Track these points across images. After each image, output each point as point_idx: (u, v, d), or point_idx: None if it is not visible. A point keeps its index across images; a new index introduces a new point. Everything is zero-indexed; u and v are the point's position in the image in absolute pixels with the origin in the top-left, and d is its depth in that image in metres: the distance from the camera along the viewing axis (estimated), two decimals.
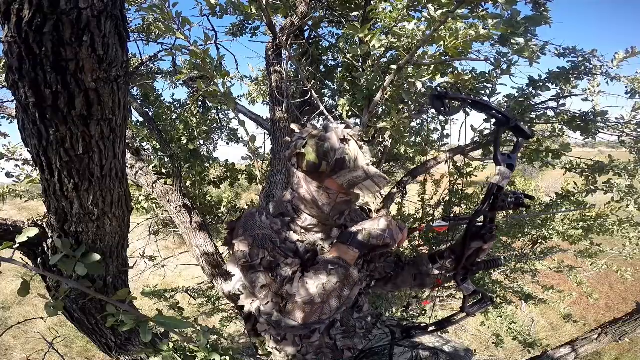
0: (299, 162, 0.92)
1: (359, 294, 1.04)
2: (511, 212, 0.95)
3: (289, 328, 0.86)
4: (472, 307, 1.01)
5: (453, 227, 0.97)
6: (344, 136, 0.90)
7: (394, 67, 1.53)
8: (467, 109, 1.99)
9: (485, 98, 1.88)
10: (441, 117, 2.34)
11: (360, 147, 0.93)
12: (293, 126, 0.99)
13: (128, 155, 2.02)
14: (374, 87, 1.74)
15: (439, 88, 0.84)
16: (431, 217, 2.58)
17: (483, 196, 0.93)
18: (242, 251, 0.89)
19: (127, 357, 1.16)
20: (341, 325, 1.02)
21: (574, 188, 2.15)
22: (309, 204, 0.94)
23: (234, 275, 1.02)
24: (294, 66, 2.20)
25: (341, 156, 0.88)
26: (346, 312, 1.02)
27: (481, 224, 0.92)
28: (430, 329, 1.07)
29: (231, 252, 1.02)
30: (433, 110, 2.29)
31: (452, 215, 0.98)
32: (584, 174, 2.09)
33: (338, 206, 0.93)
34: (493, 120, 0.92)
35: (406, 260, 1.16)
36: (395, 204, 2.49)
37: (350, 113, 1.92)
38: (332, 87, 2.63)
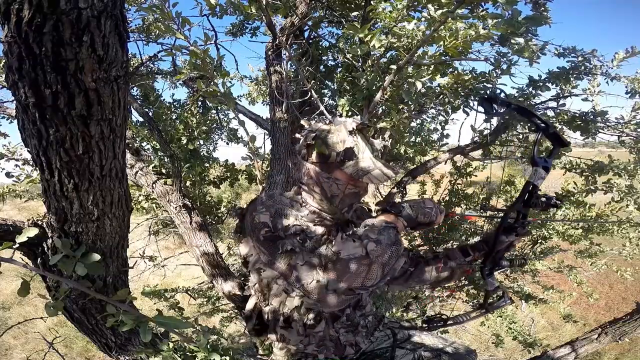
0: (308, 153, 0.94)
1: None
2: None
3: (330, 293, 0.80)
4: (491, 304, 1.03)
5: (489, 217, 1.01)
6: (352, 128, 0.92)
7: (393, 67, 1.53)
8: (466, 110, 2.00)
9: None
10: (441, 117, 2.34)
11: (368, 140, 0.95)
12: (303, 122, 0.99)
13: (128, 155, 2.02)
14: (374, 87, 1.74)
15: (492, 91, 0.93)
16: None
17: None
18: (263, 222, 0.86)
19: (127, 357, 1.16)
20: (347, 319, 1.02)
21: (574, 188, 2.15)
22: (317, 195, 0.94)
23: (248, 255, 0.97)
24: (294, 66, 2.20)
25: (350, 147, 0.89)
26: (351, 309, 1.02)
27: (514, 219, 0.97)
28: (449, 322, 1.08)
29: (240, 242, 1.00)
30: (433, 110, 2.30)
31: (488, 206, 1.02)
32: (584, 174, 2.09)
33: (346, 198, 0.94)
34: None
35: (431, 254, 1.14)
36: None
37: (350, 113, 1.91)
38: (332, 87, 2.63)
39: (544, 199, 0.93)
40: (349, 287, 0.80)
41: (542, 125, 0.92)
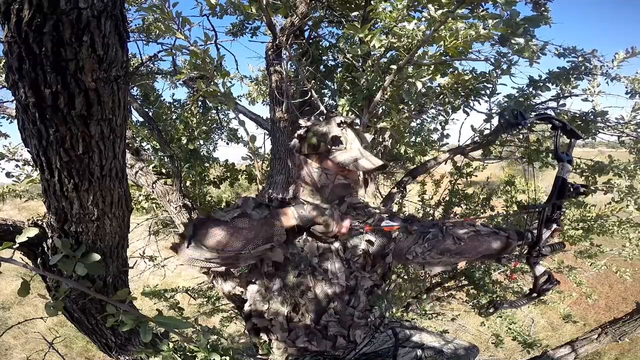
0: (301, 146, 1.01)
1: (351, 293, 1.04)
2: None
3: (185, 243, 0.85)
4: (541, 288, 1.12)
5: (532, 214, 1.13)
6: (341, 121, 0.98)
7: (394, 67, 1.53)
8: (466, 110, 2.01)
9: (486, 98, 1.89)
10: (441, 117, 2.34)
11: (357, 133, 1.00)
12: (301, 120, 1.05)
13: (128, 155, 2.01)
14: (374, 87, 1.74)
15: (513, 113, 1.09)
16: (431, 217, 2.59)
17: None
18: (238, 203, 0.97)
19: (127, 357, 1.16)
20: (335, 313, 1.02)
21: None
22: (308, 186, 0.99)
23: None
24: (294, 66, 2.20)
25: (337, 135, 0.95)
26: (341, 303, 1.03)
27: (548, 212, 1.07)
28: (505, 305, 1.17)
29: None
30: (433, 110, 2.30)
31: (527, 205, 1.13)
32: (584, 174, 2.09)
33: (336, 189, 0.99)
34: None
35: (486, 229, 1.14)
36: (395, 203, 2.49)
37: (350, 113, 1.92)
38: (332, 87, 2.63)
39: (572, 189, 1.05)
40: (203, 243, 0.83)
41: (560, 124, 1.07)
